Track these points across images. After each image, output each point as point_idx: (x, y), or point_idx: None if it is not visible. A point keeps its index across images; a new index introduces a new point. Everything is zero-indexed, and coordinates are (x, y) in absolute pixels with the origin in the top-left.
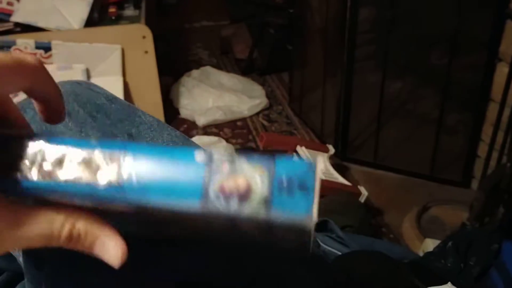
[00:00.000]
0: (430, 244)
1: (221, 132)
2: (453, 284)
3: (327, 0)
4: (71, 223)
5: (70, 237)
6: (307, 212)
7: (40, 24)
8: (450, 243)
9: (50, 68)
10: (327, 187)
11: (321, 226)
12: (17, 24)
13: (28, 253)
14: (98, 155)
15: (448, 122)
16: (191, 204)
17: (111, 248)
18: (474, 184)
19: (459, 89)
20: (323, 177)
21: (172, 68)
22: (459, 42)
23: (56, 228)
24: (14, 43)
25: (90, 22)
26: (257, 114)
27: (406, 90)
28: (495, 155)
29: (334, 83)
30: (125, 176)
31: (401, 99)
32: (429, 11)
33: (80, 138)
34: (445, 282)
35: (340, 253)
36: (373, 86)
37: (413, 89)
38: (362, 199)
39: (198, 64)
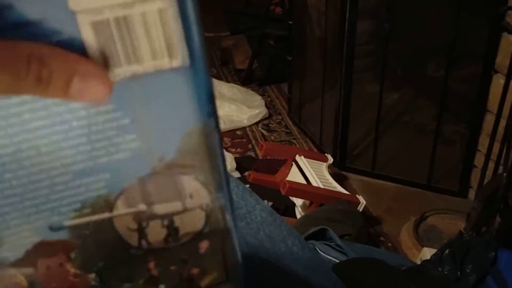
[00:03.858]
0: (428, 253)
1: None
2: None
3: (326, 12)
4: (38, 58)
5: (39, 77)
6: None
7: None
8: (447, 251)
9: None
10: (325, 195)
11: (320, 235)
12: None
13: None
14: None
15: (445, 133)
16: None
17: (93, 84)
18: (471, 194)
19: (456, 100)
20: (322, 186)
21: None
22: (456, 53)
23: (20, 67)
24: None
25: None
26: (257, 123)
27: (403, 101)
28: (491, 165)
29: (333, 94)
30: None
31: (399, 109)
32: (426, 23)
33: None
34: None
35: (338, 261)
36: (371, 97)
37: (410, 100)
38: (360, 208)
39: None
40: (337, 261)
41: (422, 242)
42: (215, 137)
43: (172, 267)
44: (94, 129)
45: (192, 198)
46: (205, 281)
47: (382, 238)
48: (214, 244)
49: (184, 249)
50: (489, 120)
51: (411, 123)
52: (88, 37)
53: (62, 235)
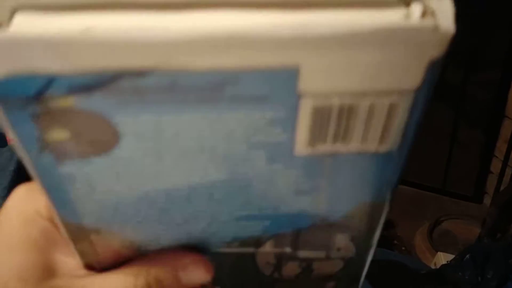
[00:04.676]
0: (442, 258)
1: None
2: None
3: None
4: (144, 278)
5: None
6: None
7: None
8: (467, 256)
9: None
10: None
11: None
12: None
13: None
14: None
15: (461, 138)
16: None
17: (197, 273)
18: (486, 200)
19: (473, 105)
20: None
21: None
22: (474, 58)
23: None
24: None
25: None
26: None
27: None
28: (508, 171)
29: None
30: None
31: None
32: None
33: None
34: None
35: None
36: None
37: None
38: None
39: None
40: None
41: (436, 247)
42: (385, 210)
43: None
44: (271, 189)
45: (339, 251)
46: None
47: (395, 242)
48: (339, 285)
49: (310, 284)
50: (507, 126)
51: (427, 127)
52: (303, 120)
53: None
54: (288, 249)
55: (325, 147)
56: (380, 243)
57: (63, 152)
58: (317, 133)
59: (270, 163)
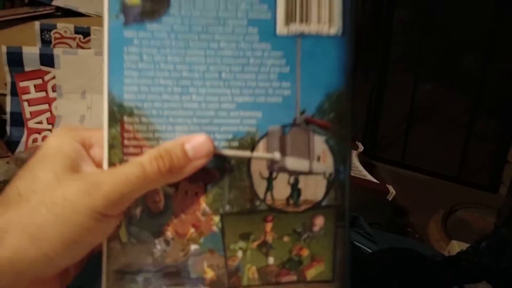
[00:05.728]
0: (456, 247)
1: None
2: (488, 282)
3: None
4: (155, 154)
5: (158, 167)
6: None
7: (81, 9)
8: (483, 244)
9: (88, 52)
10: (355, 184)
11: (351, 222)
12: (58, 9)
13: None
14: None
15: (478, 127)
16: None
17: (198, 143)
18: (502, 190)
19: (491, 94)
20: (352, 174)
21: None
22: (494, 47)
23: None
24: (54, 26)
25: None
26: None
27: (437, 93)
28: None
29: (366, 81)
30: None
31: (432, 101)
32: (466, 15)
33: None
34: (479, 280)
35: (368, 249)
36: (405, 87)
37: (444, 93)
38: (389, 198)
39: None
40: (367, 248)
41: (450, 236)
42: (348, 105)
43: (285, 238)
44: (262, 70)
45: (319, 161)
46: (312, 272)
47: (409, 229)
48: (327, 224)
49: (300, 219)
50: None
51: (444, 115)
52: (280, 3)
53: (209, 164)
54: (277, 155)
55: (295, 27)
56: (394, 230)
57: (131, 16)
58: (289, 14)
59: (261, 40)
